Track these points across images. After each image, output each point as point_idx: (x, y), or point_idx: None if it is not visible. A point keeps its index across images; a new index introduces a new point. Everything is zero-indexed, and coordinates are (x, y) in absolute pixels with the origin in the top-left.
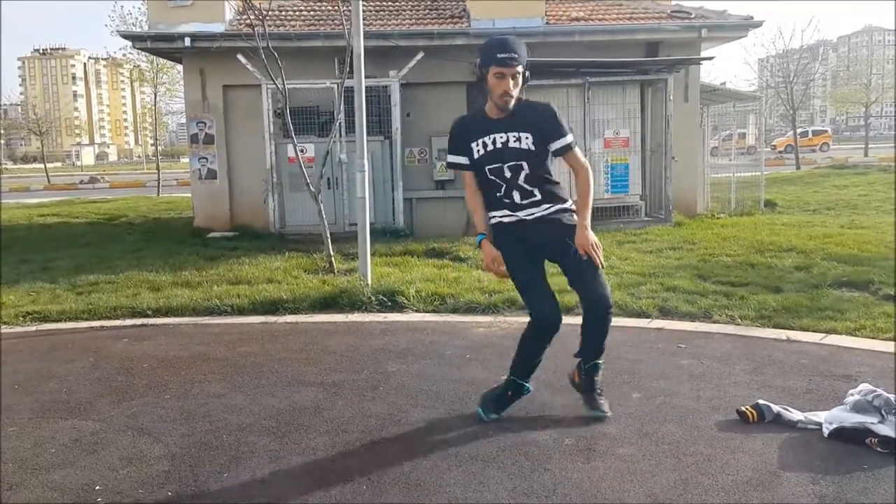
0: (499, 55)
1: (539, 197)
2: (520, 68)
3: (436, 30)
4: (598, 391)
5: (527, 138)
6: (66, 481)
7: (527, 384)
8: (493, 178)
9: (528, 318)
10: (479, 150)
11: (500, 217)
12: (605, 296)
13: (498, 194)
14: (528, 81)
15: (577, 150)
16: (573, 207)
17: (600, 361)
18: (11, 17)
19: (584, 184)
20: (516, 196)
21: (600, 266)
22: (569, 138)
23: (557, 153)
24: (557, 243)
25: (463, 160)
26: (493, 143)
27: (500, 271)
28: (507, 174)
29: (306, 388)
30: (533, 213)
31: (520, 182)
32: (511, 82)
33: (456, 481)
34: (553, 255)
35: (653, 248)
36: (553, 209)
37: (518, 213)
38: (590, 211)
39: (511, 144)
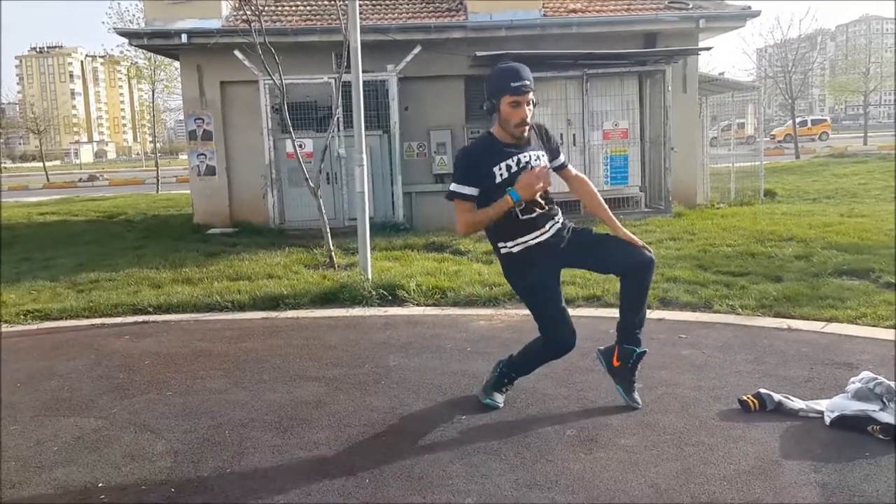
0: (512, 84)
1: (548, 207)
2: (532, 95)
3: (433, 23)
4: (635, 381)
5: (543, 156)
6: (69, 479)
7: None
8: None
9: (528, 311)
10: (502, 174)
11: (525, 242)
12: (643, 251)
13: (520, 218)
14: (536, 104)
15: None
16: None
17: (639, 350)
18: (8, 16)
19: (593, 190)
20: (536, 209)
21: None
22: (563, 156)
23: (558, 169)
24: (569, 246)
25: (471, 191)
26: (518, 163)
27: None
28: None
29: (308, 383)
30: (551, 226)
31: (536, 197)
32: (527, 109)
33: (458, 473)
34: (571, 260)
35: (653, 238)
36: (560, 219)
37: (541, 230)
38: (609, 211)
39: (534, 163)
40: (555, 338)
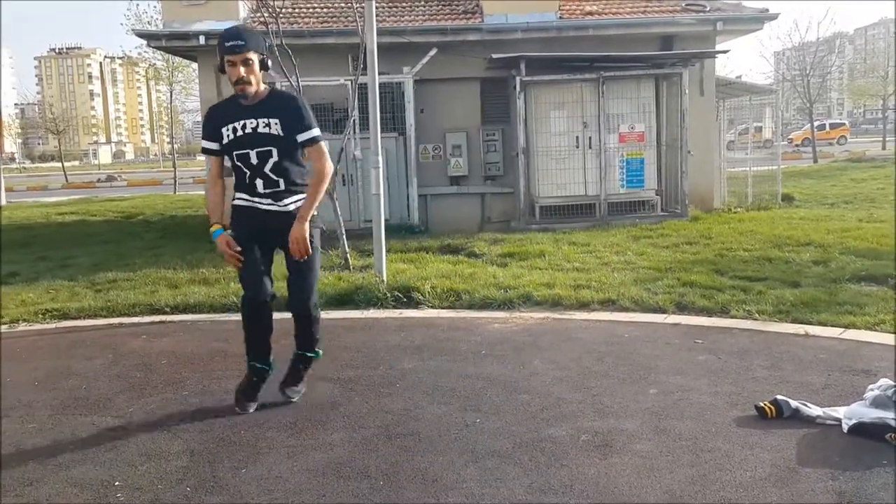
0: (226, 43)
1: (282, 188)
2: (252, 55)
3: (449, 26)
4: (296, 383)
5: (276, 124)
6: (86, 477)
7: (267, 366)
8: (238, 164)
9: (543, 314)
10: (228, 136)
11: (239, 201)
12: (303, 299)
13: (244, 180)
14: (268, 69)
15: (323, 146)
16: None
17: (311, 354)
18: (28, 17)
19: (316, 179)
20: (259, 185)
21: (304, 258)
22: (314, 132)
23: (303, 145)
24: (283, 238)
25: (214, 146)
26: (244, 128)
27: (233, 254)
28: (254, 161)
29: (323, 384)
30: (271, 205)
31: (266, 170)
32: (242, 69)
33: (472, 477)
34: (281, 246)
35: (669, 242)
36: (290, 207)
37: (255, 200)
38: (313, 205)
39: (260, 130)
40: (242, 287)
